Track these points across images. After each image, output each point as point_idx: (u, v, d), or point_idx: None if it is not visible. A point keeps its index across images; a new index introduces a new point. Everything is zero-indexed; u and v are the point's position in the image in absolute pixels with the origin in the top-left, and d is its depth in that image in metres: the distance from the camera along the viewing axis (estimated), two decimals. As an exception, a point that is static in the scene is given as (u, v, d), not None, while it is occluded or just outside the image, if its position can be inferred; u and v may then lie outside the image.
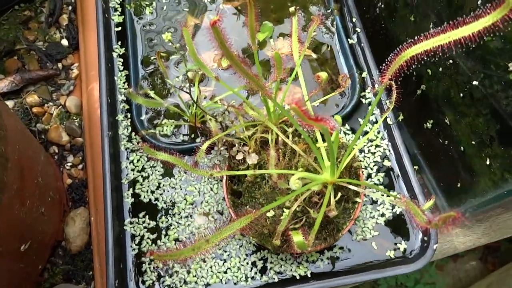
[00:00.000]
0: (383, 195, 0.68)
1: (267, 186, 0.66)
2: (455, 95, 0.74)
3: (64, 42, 1.00)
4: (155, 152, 0.57)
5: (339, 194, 0.62)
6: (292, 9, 0.68)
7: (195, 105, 0.73)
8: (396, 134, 0.77)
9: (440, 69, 0.76)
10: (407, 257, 0.69)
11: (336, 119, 0.68)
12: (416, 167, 0.77)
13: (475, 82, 0.67)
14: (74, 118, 0.93)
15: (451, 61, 0.72)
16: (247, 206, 0.67)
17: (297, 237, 0.49)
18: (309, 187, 0.58)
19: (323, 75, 0.57)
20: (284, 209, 0.61)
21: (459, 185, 0.81)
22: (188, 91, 0.68)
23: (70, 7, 1.05)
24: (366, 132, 0.80)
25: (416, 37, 0.49)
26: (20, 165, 0.64)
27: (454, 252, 0.88)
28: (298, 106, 0.36)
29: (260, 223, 0.64)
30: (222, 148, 0.68)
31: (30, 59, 0.99)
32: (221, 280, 0.69)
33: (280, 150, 0.66)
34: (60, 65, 0.99)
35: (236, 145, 0.68)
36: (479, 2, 0.62)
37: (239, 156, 0.67)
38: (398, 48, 0.50)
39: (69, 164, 0.89)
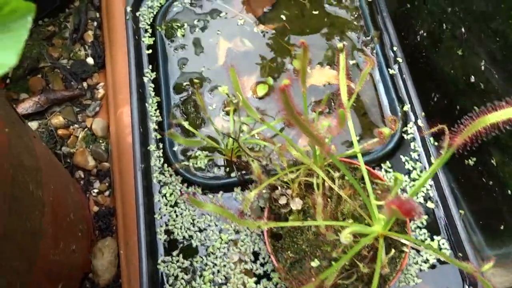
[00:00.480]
0: (434, 251, 0.65)
1: (311, 232, 0.64)
2: (506, 138, 0.71)
3: (90, 60, 0.97)
4: (202, 203, 0.54)
5: (392, 250, 0.59)
6: (340, 45, 0.64)
7: (231, 140, 0.70)
8: (441, 175, 0.74)
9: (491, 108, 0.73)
10: (453, 307, 0.67)
11: (384, 131, 0.62)
12: (462, 212, 0.74)
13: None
14: (100, 141, 0.90)
15: (504, 103, 0.69)
16: (289, 252, 0.64)
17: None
18: (363, 242, 0.55)
19: (386, 131, 0.54)
20: (333, 262, 0.58)
21: (502, 227, 0.78)
22: (235, 138, 0.64)
23: (95, 23, 1.01)
24: (409, 171, 0.76)
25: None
26: (55, 206, 0.61)
27: (490, 290, 0.85)
28: (397, 206, 0.33)
29: (303, 272, 0.61)
30: (264, 191, 0.65)
31: (54, 77, 0.95)
32: (259, 326, 0.66)
33: (325, 194, 0.63)
34: (85, 84, 0.95)
35: (279, 188, 0.65)
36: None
37: (282, 200, 0.64)
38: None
39: (95, 190, 0.87)
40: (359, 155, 0.59)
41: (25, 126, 0.59)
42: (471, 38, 0.73)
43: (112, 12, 0.95)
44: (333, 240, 0.60)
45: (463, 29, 0.74)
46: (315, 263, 0.61)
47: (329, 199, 0.64)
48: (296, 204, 0.63)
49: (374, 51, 0.85)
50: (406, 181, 0.76)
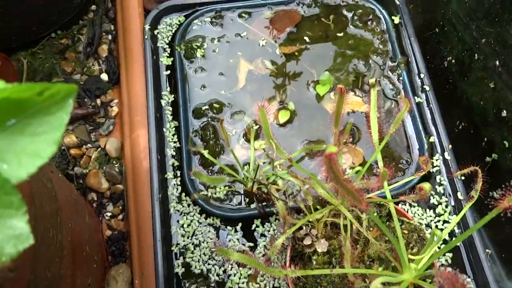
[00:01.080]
0: None
1: (337, 276, 0.61)
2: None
3: (104, 76, 0.94)
4: (229, 252, 0.52)
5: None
6: (372, 80, 0.61)
7: (255, 175, 0.68)
8: (469, 213, 0.71)
9: (521, 146, 0.70)
10: None
11: (424, 186, 0.60)
12: (488, 251, 0.72)
13: None
14: (114, 162, 0.88)
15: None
16: (312, 293, 0.62)
17: None
18: (393, 295, 0.53)
19: (427, 186, 0.52)
20: (361, 312, 0.56)
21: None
22: (263, 190, 0.62)
23: (109, 36, 0.98)
24: (434, 205, 0.74)
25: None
26: (72, 246, 0.59)
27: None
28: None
29: (329, 318, 0.59)
30: (288, 231, 0.63)
31: (67, 93, 0.93)
32: None
33: (352, 236, 0.61)
34: (98, 101, 0.93)
35: (304, 227, 0.63)
36: None
37: (307, 241, 0.62)
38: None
39: (108, 214, 0.84)
40: (391, 204, 0.57)
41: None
42: (505, 74, 0.70)
43: (129, 27, 0.91)
44: (361, 287, 0.58)
45: (497, 62, 0.71)
46: (341, 309, 0.59)
47: (356, 242, 0.61)
48: (322, 246, 0.61)
49: (401, 78, 0.82)
50: (431, 216, 0.73)
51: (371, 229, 0.63)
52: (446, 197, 0.74)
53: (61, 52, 0.96)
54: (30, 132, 0.26)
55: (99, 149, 0.89)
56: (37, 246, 0.44)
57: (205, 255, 0.71)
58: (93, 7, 1.01)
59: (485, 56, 0.74)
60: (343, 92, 0.51)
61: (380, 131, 0.62)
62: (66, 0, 0.91)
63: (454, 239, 0.72)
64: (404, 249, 0.58)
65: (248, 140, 0.77)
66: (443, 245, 0.73)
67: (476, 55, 0.76)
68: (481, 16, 0.73)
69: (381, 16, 0.87)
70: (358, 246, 0.61)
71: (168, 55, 0.84)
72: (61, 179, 0.65)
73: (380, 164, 0.60)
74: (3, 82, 0.25)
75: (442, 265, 0.71)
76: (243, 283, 0.70)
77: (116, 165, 0.88)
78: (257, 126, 0.76)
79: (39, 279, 0.46)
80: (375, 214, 0.67)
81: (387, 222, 0.67)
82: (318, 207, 0.64)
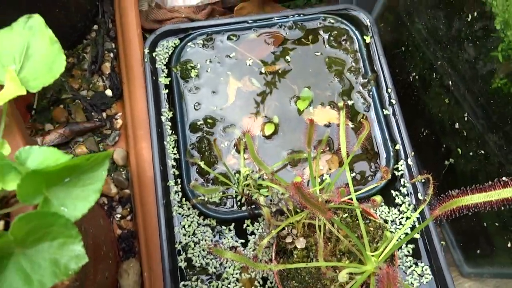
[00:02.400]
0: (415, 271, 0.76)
1: (313, 266, 0.74)
2: (483, 180, 0.81)
3: (108, 92, 1.05)
4: (223, 252, 0.64)
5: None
6: (340, 104, 0.73)
7: (244, 182, 0.80)
8: (426, 209, 0.84)
9: (471, 153, 0.83)
10: (432, 327, 0.78)
11: (376, 199, 0.75)
12: (443, 243, 0.85)
13: (504, 178, 0.74)
14: (121, 170, 0.99)
15: (482, 151, 0.79)
16: (294, 281, 0.75)
17: None
18: (359, 281, 0.66)
19: (378, 198, 0.64)
20: (331, 297, 0.69)
21: (478, 251, 0.89)
22: (249, 198, 0.74)
23: (111, 54, 1.08)
24: (398, 204, 0.87)
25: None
26: (93, 248, 0.71)
27: (467, 302, 0.98)
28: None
29: (306, 302, 0.72)
30: (272, 232, 0.75)
31: (76, 108, 1.04)
32: None
33: (325, 235, 0.73)
34: (104, 114, 1.04)
35: (286, 228, 0.75)
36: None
37: (288, 239, 0.75)
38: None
39: (118, 215, 0.97)
40: (355, 201, 0.69)
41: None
42: (456, 92, 0.82)
43: (129, 47, 1.02)
44: (332, 276, 0.71)
45: (450, 82, 0.83)
46: (315, 294, 0.72)
47: (329, 240, 0.74)
48: (301, 243, 0.74)
49: (371, 92, 0.94)
50: (395, 213, 0.86)
51: (342, 228, 0.75)
52: (409, 197, 0.87)
53: (68, 70, 1.07)
54: (81, 185, 0.38)
55: (107, 158, 1.00)
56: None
57: (204, 251, 0.84)
58: (95, 27, 1.11)
59: (441, 75, 0.85)
60: (312, 123, 0.63)
61: (348, 144, 0.74)
62: (71, 25, 1.01)
63: (409, 233, 0.86)
64: (367, 244, 0.71)
65: (238, 151, 0.89)
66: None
67: (434, 73, 0.87)
68: (437, 41, 0.84)
69: (354, 36, 0.98)
70: (330, 243, 0.74)
71: (166, 75, 0.95)
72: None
73: (348, 175, 0.72)
74: (63, 154, 0.37)
75: (405, 255, 0.84)
76: (236, 274, 0.83)
77: (123, 172, 0.99)
78: (245, 140, 0.88)
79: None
80: (346, 215, 0.79)
81: (357, 221, 0.79)
82: (298, 210, 0.77)
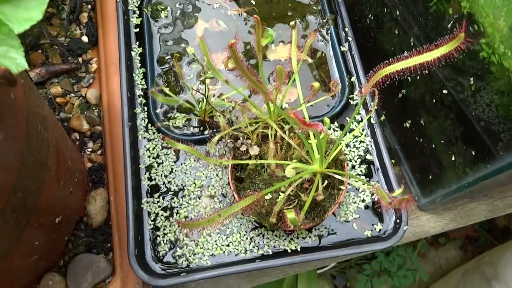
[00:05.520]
0: (363, 184, 0.80)
1: (266, 173, 0.79)
2: (429, 100, 0.86)
3: (84, 38, 1.10)
4: (175, 143, 0.69)
5: (326, 181, 0.74)
6: (292, 23, 0.79)
7: (205, 101, 0.85)
8: (378, 132, 0.89)
9: (418, 77, 0.88)
10: (382, 236, 0.82)
11: (325, 121, 0.80)
12: (393, 161, 0.89)
13: (445, 91, 0.80)
14: (93, 108, 1.04)
15: (426, 71, 0.84)
16: (249, 190, 0.79)
17: (290, 214, 0.61)
18: (301, 175, 0.70)
19: (316, 84, 0.69)
20: (280, 193, 0.73)
21: (430, 177, 0.93)
22: (203, 93, 0.79)
23: (89, 6, 1.15)
24: (353, 130, 0.92)
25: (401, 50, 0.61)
26: (57, 150, 0.75)
27: (426, 235, 1.01)
28: (295, 116, 0.48)
29: (260, 204, 0.76)
30: (228, 141, 0.80)
31: (53, 53, 1.09)
32: (224, 251, 0.81)
33: (278, 143, 0.78)
34: (80, 59, 1.09)
35: (241, 138, 0.80)
36: (448, 26, 0.74)
37: (243, 148, 0.79)
38: (377, 65, 0.61)
39: (89, 149, 1.01)
40: (303, 107, 0.74)
41: (32, 82, 0.73)
42: (403, 22, 0.88)
43: (104, -4, 1.08)
44: (282, 177, 0.75)
45: (398, 12, 0.89)
46: (268, 196, 0.76)
47: (281, 147, 0.79)
48: (254, 150, 0.78)
49: (329, 31, 1.00)
50: (350, 138, 0.91)
51: (294, 138, 0.80)
52: (363, 122, 0.92)
53: (47, 19, 1.13)
54: (25, 6, 0.43)
55: (81, 97, 1.05)
56: (29, 126, 0.61)
57: (166, 171, 0.88)
58: (75, -19, 1.18)
59: (390, 9, 0.92)
60: (259, 21, 0.68)
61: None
62: (51, -27, 1.08)
63: (368, 155, 0.89)
64: (315, 148, 0.75)
65: (202, 82, 0.94)
66: (359, 160, 0.90)
67: (385, 8, 0.94)
68: (386, -23, 0.91)
69: (314, -17, 1.05)
70: (282, 149, 0.78)
71: (137, 16, 1.01)
72: (47, 105, 0.81)
73: (298, 86, 0.77)
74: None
75: (358, 174, 0.88)
76: (197, 191, 0.86)
77: (95, 110, 1.04)
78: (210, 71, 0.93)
79: (31, 155, 0.62)
80: (301, 131, 0.84)
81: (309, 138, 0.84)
82: (253, 123, 0.81)
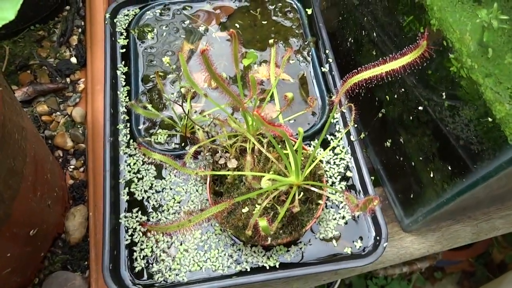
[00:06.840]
0: (335, 192, 0.80)
1: (244, 187, 0.78)
2: (407, 118, 0.87)
3: (73, 59, 1.13)
4: (150, 152, 0.69)
5: (302, 194, 0.74)
6: (271, 41, 0.81)
7: (186, 117, 0.86)
8: (358, 149, 0.90)
9: (395, 96, 0.90)
10: (361, 254, 0.81)
11: (299, 131, 0.80)
12: (372, 178, 0.89)
13: (420, 108, 0.81)
14: (78, 126, 1.05)
15: (403, 89, 0.87)
16: (227, 204, 0.79)
17: (262, 222, 0.61)
18: (276, 186, 0.70)
19: (289, 95, 0.71)
20: (256, 205, 0.72)
21: (411, 196, 0.93)
22: (181, 105, 0.80)
23: (80, 29, 1.18)
24: (333, 147, 0.92)
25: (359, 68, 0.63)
26: (35, 161, 0.75)
27: (411, 257, 1.00)
28: (258, 114, 0.49)
29: (236, 217, 0.76)
30: (207, 154, 0.80)
31: (42, 73, 1.11)
32: (201, 268, 0.79)
33: (256, 157, 0.78)
34: (68, 79, 1.11)
35: (219, 151, 0.80)
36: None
37: (221, 161, 0.79)
38: (345, 76, 0.63)
39: (72, 166, 1.01)
40: (280, 117, 0.75)
41: (13, 93, 0.74)
42: (380, 43, 0.91)
43: (95, 20, 1.12)
44: (259, 189, 0.75)
45: (374, 34, 0.93)
46: (245, 210, 0.75)
47: (259, 160, 0.79)
48: (232, 163, 0.78)
49: (310, 53, 1.03)
50: (330, 155, 0.92)
51: (272, 152, 0.80)
52: (343, 140, 0.93)
53: (38, 42, 1.16)
54: (0, 7, 0.45)
55: (66, 116, 1.06)
56: (5, 132, 0.61)
57: (146, 186, 0.87)
58: (67, 7, 1.22)
59: (368, 31, 0.95)
60: (234, 35, 0.71)
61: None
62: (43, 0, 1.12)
63: (348, 172, 0.90)
64: (292, 161, 0.75)
65: (185, 99, 0.96)
66: (339, 177, 0.90)
67: (363, 31, 0.97)
68: (362, 1, 0.95)
69: (297, 8, 1.09)
70: (260, 163, 0.79)
71: (124, 37, 1.04)
72: (28, 118, 0.82)
73: (276, 99, 0.79)
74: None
75: (341, 188, 0.88)
76: (176, 206, 0.86)
77: (80, 128, 1.05)
78: (193, 90, 0.95)
79: (4, 160, 0.62)
80: (280, 145, 0.85)
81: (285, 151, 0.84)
82: (231, 136, 0.82)
